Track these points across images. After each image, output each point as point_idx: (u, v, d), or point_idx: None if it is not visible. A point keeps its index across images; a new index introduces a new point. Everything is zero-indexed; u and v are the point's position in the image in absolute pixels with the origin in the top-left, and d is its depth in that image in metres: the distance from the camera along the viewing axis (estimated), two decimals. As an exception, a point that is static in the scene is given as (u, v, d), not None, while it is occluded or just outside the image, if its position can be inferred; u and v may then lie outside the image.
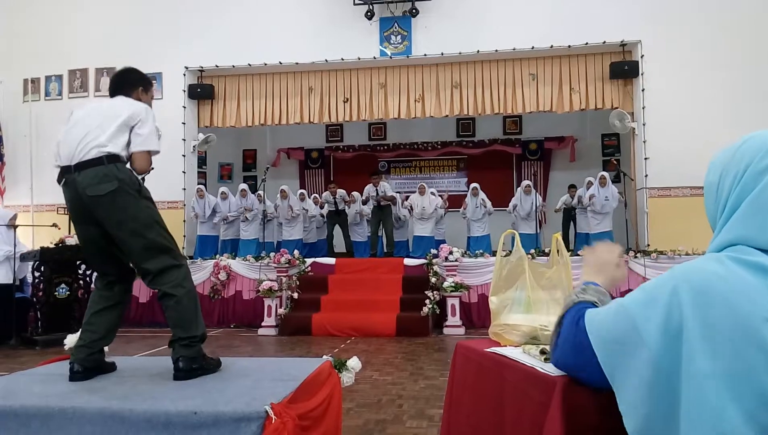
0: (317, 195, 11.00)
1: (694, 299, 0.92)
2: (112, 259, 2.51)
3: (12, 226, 7.21)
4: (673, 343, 0.93)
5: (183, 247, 9.69)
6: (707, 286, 0.92)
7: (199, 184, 10.91)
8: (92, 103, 2.64)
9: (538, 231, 9.80)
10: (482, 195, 9.88)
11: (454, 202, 11.00)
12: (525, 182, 10.04)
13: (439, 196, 10.19)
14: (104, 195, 2.33)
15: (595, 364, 1.10)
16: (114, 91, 2.67)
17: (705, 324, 0.89)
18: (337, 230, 10.53)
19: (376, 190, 9.79)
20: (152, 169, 2.56)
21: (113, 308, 2.50)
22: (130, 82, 2.70)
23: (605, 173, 9.46)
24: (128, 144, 2.47)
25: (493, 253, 8.50)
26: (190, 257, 9.26)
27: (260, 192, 10.00)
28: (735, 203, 0.99)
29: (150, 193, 2.50)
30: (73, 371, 2.32)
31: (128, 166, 2.47)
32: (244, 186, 10.37)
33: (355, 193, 10.33)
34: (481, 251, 8.73)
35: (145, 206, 2.42)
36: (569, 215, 10.30)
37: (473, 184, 10.25)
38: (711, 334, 0.88)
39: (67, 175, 2.42)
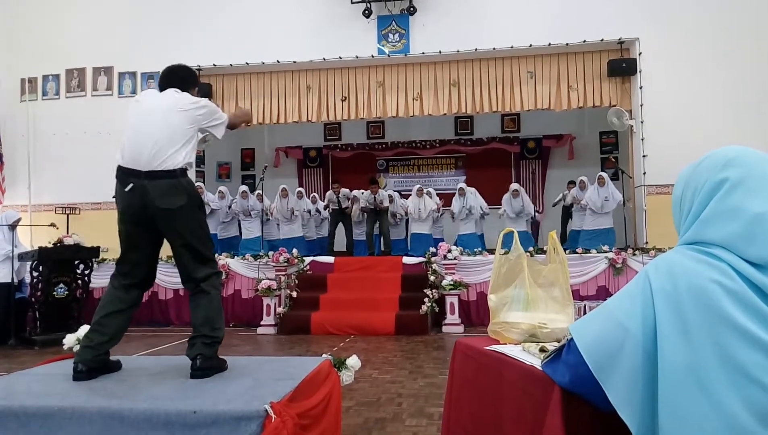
0: (315, 194, 11.00)
1: (659, 275, 1.08)
2: (147, 264, 2.58)
3: (14, 226, 7.21)
4: (652, 325, 1.05)
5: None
6: (669, 264, 1.09)
7: (197, 182, 10.93)
8: (154, 99, 2.66)
9: (530, 229, 9.84)
10: (471, 198, 9.89)
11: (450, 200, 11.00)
12: (512, 186, 10.02)
13: (435, 197, 10.21)
14: (175, 208, 2.43)
15: (590, 376, 1.14)
16: (168, 86, 2.72)
17: (668, 294, 1.04)
18: (340, 228, 10.52)
19: (374, 197, 9.83)
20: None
21: (125, 311, 2.52)
22: (188, 81, 2.81)
23: (603, 173, 9.50)
24: (194, 147, 2.63)
25: (488, 251, 8.51)
26: None
27: (259, 191, 10.00)
28: (695, 213, 1.13)
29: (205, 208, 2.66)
30: (77, 371, 2.32)
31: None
32: (244, 187, 10.35)
33: (356, 192, 10.34)
34: (479, 249, 8.74)
35: (203, 221, 2.60)
36: (567, 213, 10.32)
37: (460, 185, 10.26)
38: (675, 301, 1.03)
39: (135, 180, 2.43)
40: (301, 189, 10.80)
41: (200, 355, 2.35)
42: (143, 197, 2.40)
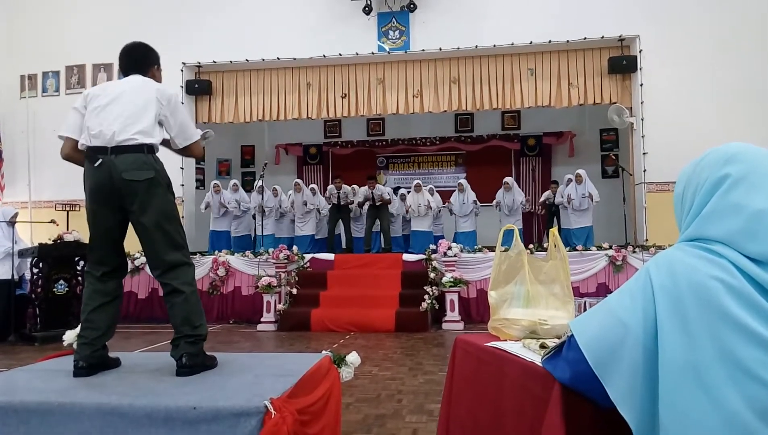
0: (315, 186, 11.01)
1: (660, 272, 1.08)
2: (116, 249, 2.53)
3: (12, 223, 7.21)
4: (653, 322, 1.05)
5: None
6: (669, 261, 1.09)
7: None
8: (115, 84, 2.62)
9: (521, 226, 9.87)
10: (470, 194, 9.93)
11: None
12: (505, 179, 10.07)
13: (430, 194, 10.22)
14: (141, 181, 2.39)
15: (591, 374, 1.14)
16: (129, 69, 2.67)
17: (668, 291, 1.04)
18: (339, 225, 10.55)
19: (372, 192, 9.83)
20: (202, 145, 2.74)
21: (110, 304, 2.50)
22: (148, 61, 2.71)
23: (580, 171, 9.56)
24: (161, 132, 2.54)
25: (487, 248, 8.50)
26: (202, 253, 9.19)
27: (259, 183, 10.01)
28: (697, 209, 1.13)
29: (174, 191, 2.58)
30: (77, 367, 2.32)
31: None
32: (236, 181, 10.67)
33: (355, 187, 10.37)
34: (479, 246, 8.75)
35: (171, 201, 2.51)
36: (552, 211, 10.34)
37: (460, 180, 10.30)
38: (676, 298, 1.03)
39: (103, 156, 2.41)
40: (314, 186, 10.83)
41: (186, 354, 2.34)
42: (110, 172, 2.38)
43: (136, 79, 2.60)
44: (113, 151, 2.39)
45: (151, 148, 2.46)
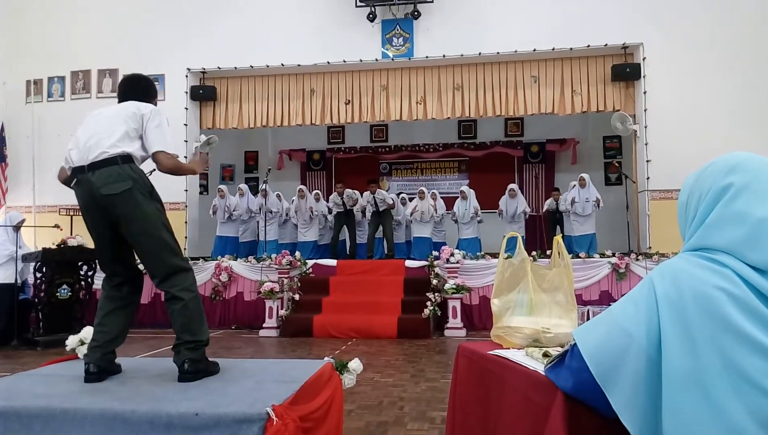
0: (319, 191, 11.02)
1: (664, 281, 1.08)
2: (122, 259, 2.54)
3: (18, 227, 7.23)
4: (657, 331, 1.06)
5: (185, 249, 9.69)
6: (673, 271, 1.09)
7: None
8: (102, 108, 2.65)
9: (524, 233, 9.84)
10: (474, 201, 9.92)
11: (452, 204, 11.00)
12: (510, 186, 10.06)
13: (440, 201, 10.22)
14: (119, 193, 2.37)
15: (592, 382, 1.14)
16: (124, 98, 2.68)
17: (672, 300, 1.05)
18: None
19: (374, 197, 9.84)
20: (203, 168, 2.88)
21: (123, 309, 2.52)
22: (141, 90, 2.72)
23: (584, 175, 9.56)
24: (141, 145, 2.53)
25: (490, 255, 8.49)
26: (205, 258, 9.20)
27: (263, 187, 10.02)
28: (700, 218, 1.14)
29: (160, 197, 2.54)
30: (89, 372, 2.33)
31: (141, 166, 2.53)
32: (243, 186, 10.64)
33: (357, 192, 10.39)
34: (482, 253, 8.73)
35: (155, 208, 2.47)
36: (554, 218, 10.32)
37: (462, 187, 10.29)
38: (679, 308, 1.03)
39: (80, 174, 2.43)
40: (318, 191, 10.85)
41: (188, 360, 2.34)
42: (90, 190, 2.39)
43: (123, 103, 2.61)
44: (89, 168, 2.41)
45: (125, 158, 2.43)
